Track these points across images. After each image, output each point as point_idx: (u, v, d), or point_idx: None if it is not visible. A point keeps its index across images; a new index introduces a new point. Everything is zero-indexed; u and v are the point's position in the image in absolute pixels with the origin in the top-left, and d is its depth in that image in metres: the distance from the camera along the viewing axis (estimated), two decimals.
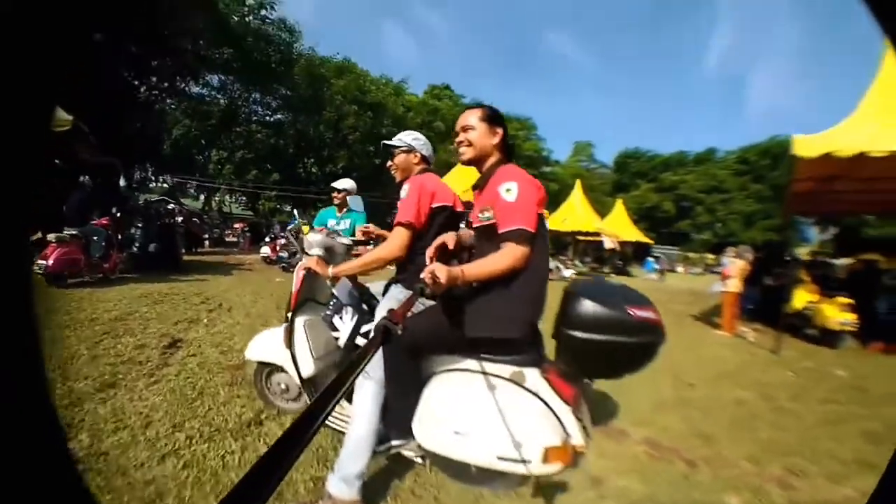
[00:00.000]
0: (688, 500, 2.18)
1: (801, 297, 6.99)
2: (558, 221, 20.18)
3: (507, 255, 1.57)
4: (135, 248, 8.01)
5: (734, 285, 6.95)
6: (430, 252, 1.78)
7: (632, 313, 1.62)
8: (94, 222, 6.96)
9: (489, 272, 1.57)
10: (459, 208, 2.22)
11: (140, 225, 8.32)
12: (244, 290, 7.15)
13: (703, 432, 2.95)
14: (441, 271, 1.38)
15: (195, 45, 17.50)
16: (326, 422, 2.19)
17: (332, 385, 0.63)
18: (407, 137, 2.28)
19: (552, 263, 16.63)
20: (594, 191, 38.74)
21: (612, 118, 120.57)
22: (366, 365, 0.75)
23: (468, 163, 1.86)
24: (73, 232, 6.12)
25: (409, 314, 1.69)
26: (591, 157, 55.02)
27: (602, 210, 25.89)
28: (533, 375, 1.81)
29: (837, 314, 6.33)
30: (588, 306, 1.65)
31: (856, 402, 3.71)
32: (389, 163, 2.33)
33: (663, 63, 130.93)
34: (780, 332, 5.80)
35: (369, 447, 1.80)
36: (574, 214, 20.69)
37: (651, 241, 27.30)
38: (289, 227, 2.73)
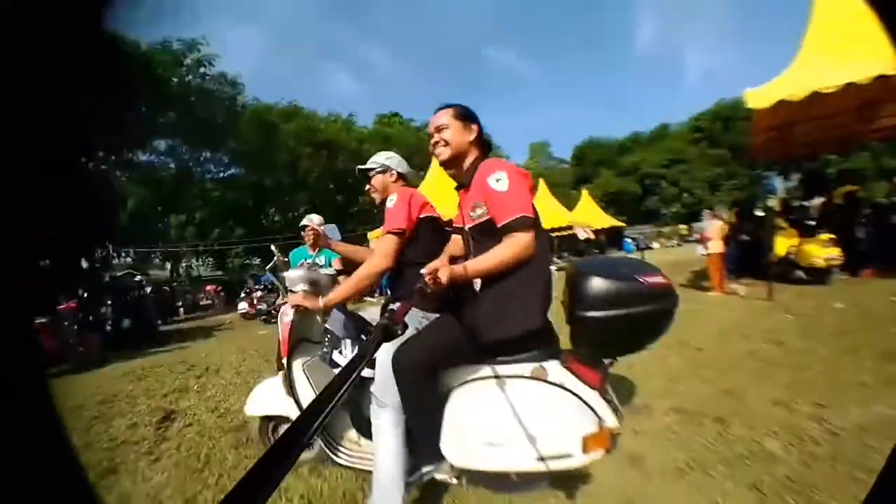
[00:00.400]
0: (730, 454, 2.15)
1: (783, 244, 7.16)
2: None
3: (514, 245, 1.52)
4: (108, 327, 7.82)
5: (716, 246, 7.11)
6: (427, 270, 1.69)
7: (643, 281, 1.59)
8: (61, 307, 6.77)
9: (495, 265, 1.52)
10: (442, 221, 2.19)
11: (109, 302, 8.09)
12: (228, 350, 6.98)
13: (725, 389, 2.95)
14: (443, 270, 1.35)
15: (138, 114, 17.22)
16: (348, 463, 2.09)
17: (331, 386, 0.62)
18: (380, 158, 2.24)
19: None
20: (558, 186, 39.48)
21: (562, 115, 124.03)
22: (365, 365, 0.73)
23: (447, 162, 1.81)
24: (42, 320, 5.94)
25: (403, 319, 1.63)
26: (549, 155, 56.45)
27: (569, 203, 26.38)
28: (554, 368, 1.74)
29: (822, 251, 6.50)
30: (599, 284, 1.60)
31: (862, 328, 3.78)
32: (367, 186, 2.28)
33: (598, 53, 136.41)
34: (769, 281, 5.92)
35: (400, 481, 1.70)
36: (543, 213, 20.77)
37: (623, 224, 27.90)
38: (268, 267, 2.62)
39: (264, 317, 10.51)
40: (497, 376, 1.75)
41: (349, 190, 27.42)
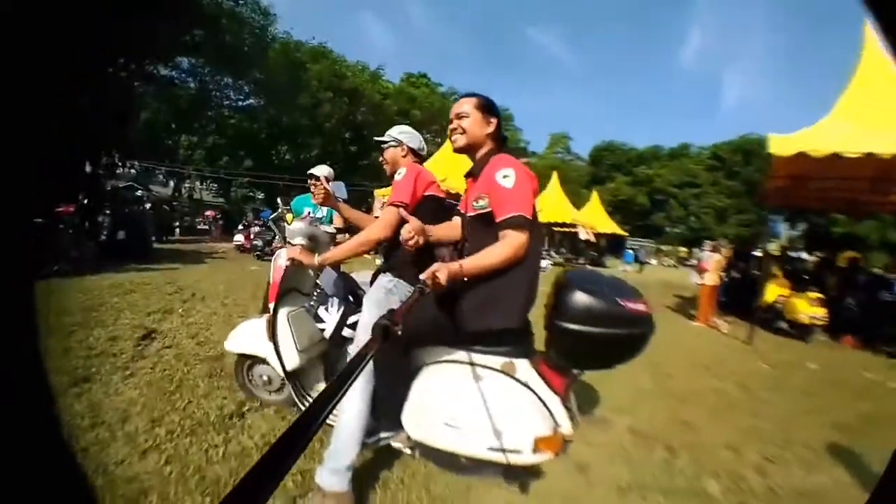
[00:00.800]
0: (671, 485, 2.24)
1: (773, 291, 7.22)
2: None
3: (508, 245, 1.57)
4: (103, 236, 7.78)
5: (712, 279, 7.16)
6: (404, 235, 1.69)
7: (625, 306, 1.63)
8: (59, 209, 6.71)
9: (490, 265, 1.56)
10: (446, 202, 2.25)
11: (108, 212, 8.05)
12: (218, 279, 7.01)
13: (684, 420, 3.03)
14: (441, 270, 1.37)
15: (167, 25, 16.76)
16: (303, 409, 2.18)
17: (331, 386, 0.63)
18: (395, 132, 2.29)
19: None
20: (570, 182, 39.16)
21: (588, 111, 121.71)
22: (365, 365, 0.74)
23: (461, 150, 1.86)
24: (38, 220, 5.82)
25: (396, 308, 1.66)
26: (568, 149, 55.70)
27: (578, 202, 26.24)
28: (523, 366, 1.82)
29: (808, 308, 6.53)
30: (582, 298, 1.65)
31: (827, 395, 3.86)
32: (381, 158, 2.34)
33: (640, 57, 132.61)
34: (752, 325, 6.01)
35: (358, 439, 1.78)
36: (550, 206, 20.85)
37: (626, 234, 27.89)
38: (271, 216, 2.66)
39: (258, 253, 10.55)
40: (467, 363, 1.83)
41: (363, 142, 26.97)
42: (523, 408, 1.74)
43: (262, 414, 2.50)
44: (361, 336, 1.93)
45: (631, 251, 26.20)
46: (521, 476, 1.98)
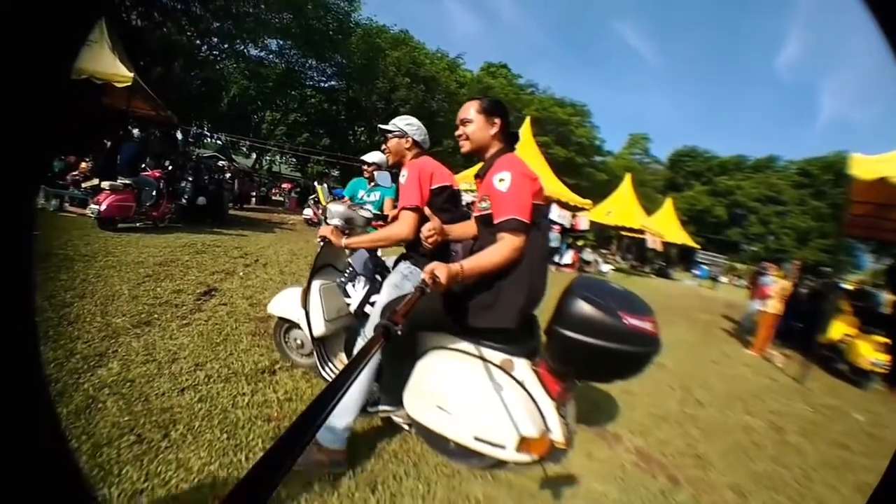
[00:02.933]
0: None
1: (839, 328, 6.57)
2: (602, 214, 19.58)
3: (502, 248, 1.61)
4: (184, 200, 8.49)
5: (775, 307, 6.63)
6: (424, 233, 1.80)
7: (625, 321, 1.59)
8: (146, 174, 7.44)
9: (486, 266, 1.60)
10: (457, 187, 2.28)
11: (191, 179, 8.79)
12: (282, 249, 7.47)
13: (698, 452, 2.87)
14: (441, 270, 1.40)
15: (256, 8, 17.91)
16: (323, 374, 2.38)
17: (331, 386, 0.65)
18: (400, 122, 2.32)
19: (591, 256, 16.26)
20: (645, 186, 37.36)
21: (671, 113, 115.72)
22: (365, 366, 0.78)
23: (467, 155, 1.92)
24: (127, 181, 6.59)
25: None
26: (646, 151, 52.83)
27: (651, 207, 24.98)
28: (522, 366, 1.87)
29: (871, 353, 5.88)
30: (581, 307, 1.65)
31: (864, 451, 3.47)
32: (384, 146, 2.40)
33: (731, 61, 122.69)
34: (809, 362, 5.52)
35: (358, 405, 1.93)
36: (620, 208, 20.00)
37: (698, 246, 26.11)
38: (311, 197, 2.84)
39: None
40: (468, 353, 1.92)
41: (437, 129, 27.45)
42: (513, 405, 1.77)
43: (290, 374, 2.75)
44: (374, 316, 2.08)
45: (706, 266, 24.57)
46: (505, 471, 2.04)
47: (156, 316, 3.26)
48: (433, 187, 2.10)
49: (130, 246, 5.46)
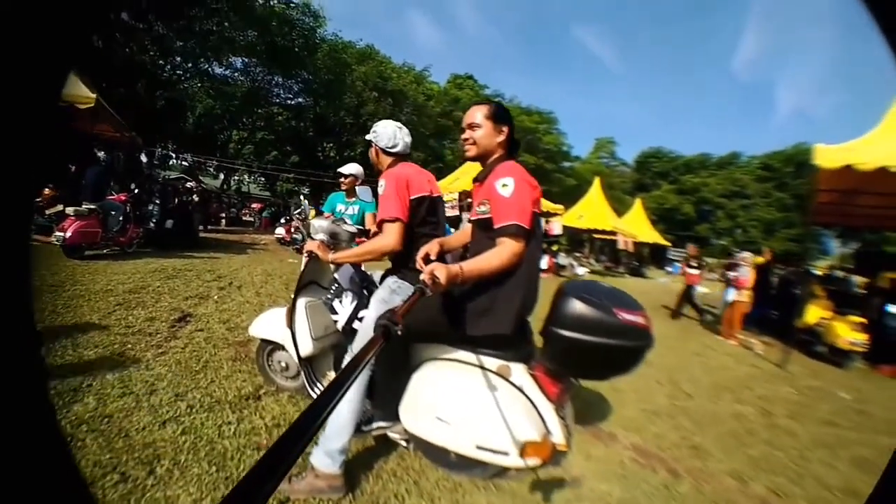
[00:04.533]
0: None
1: (814, 313, 6.81)
2: (574, 218, 19.85)
3: (502, 252, 1.59)
4: (151, 224, 8.24)
5: (743, 295, 6.85)
6: (419, 257, 1.81)
7: (619, 316, 1.61)
8: (111, 198, 7.18)
9: (486, 269, 1.57)
10: (437, 193, 2.22)
11: (158, 201, 8.53)
12: (256, 270, 7.32)
13: (694, 443, 2.90)
14: (440, 271, 1.38)
15: (220, 26, 17.69)
16: (312, 395, 2.29)
17: (331, 385, 0.64)
18: (377, 127, 2.26)
19: (566, 260, 16.51)
20: (613, 189, 38.26)
21: (635, 116, 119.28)
22: (365, 366, 0.76)
23: (472, 160, 1.88)
24: (92, 206, 6.34)
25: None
26: (613, 155, 54.38)
27: (621, 209, 25.52)
28: (519, 371, 1.85)
29: (848, 333, 6.12)
30: (576, 305, 1.66)
31: (854, 427, 3.59)
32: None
33: (689, 62, 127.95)
34: (788, 347, 5.70)
35: (352, 425, 1.86)
36: (591, 212, 20.36)
37: (668, 244, 26.85)
38: (296, 212, 2.79)
39: (297, 246, 10.87)
40: (464, 362, 1.88)
41: None
42: (514, 411, 1.75)
43: (275, 398, 2.65)
44: (363, 332, 2.02)
45: (678, 263, 25.29)
46: (509, 480, 2.01)
47: (129, 346, 3.10)
48: (412, 198, 2.04)
49: (98, 274, 5.26)
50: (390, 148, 2.22)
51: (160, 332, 3.52)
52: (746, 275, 6.99)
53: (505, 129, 1.82)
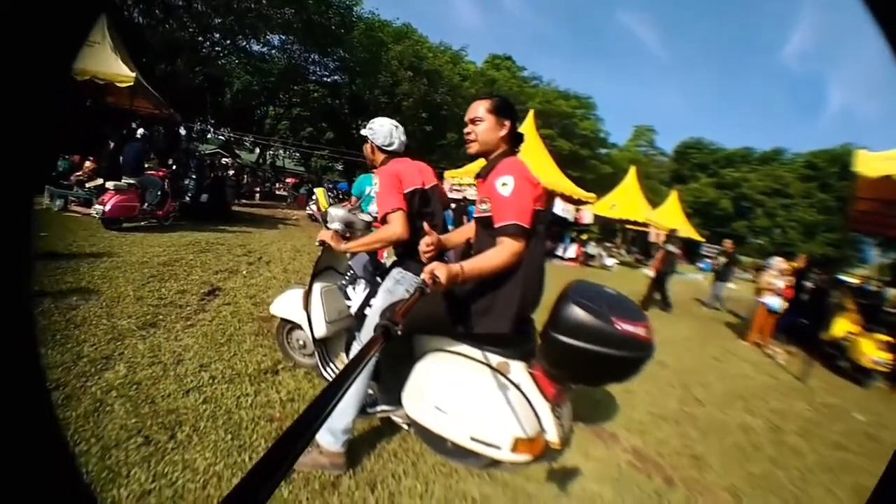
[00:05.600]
0: None
1: (842, 326, 6.52)
2: (606, 207, 19.37)
3: (502, 252, 1.60)
4: (187, 198, 8.56)
5: (775, 301, 6.60)
6: (422, 248, 1.83)
7: (618, 326, 1.62)
8: (150, 173, 7.50)
9: (486, 269, 1.59)
10: (430, 184, 2.24)
11: (194, 176, 8.85)
12: (285, 245, 7.52)
13: (695, 453, 2.87)
14: (441, 271, 1.39)
15: (257, 3, 17.89)
16: (325, 375, 2.42)
17: (330, 386, 0.65)
18: (373, 124, 2.30)
19: (595, 250, 16.20)
20: (650, 178, 36.97)
21: (678, 105, 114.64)
22: (364, 366, 0.78)
23: (475, 156, 1.90)
24: (131, 181, 6.67)
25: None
26: (651, 143, 52.21)
27: (657, 199, 24.66)
28: (518, 368, 1.91)
29: (873, 351, 5.82)
30: (575, 312, 1.67)
31: (863, 453, 3.44)
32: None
33: (738, 51, 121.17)
34: (811, 359, 5.50)
35: (356, 407, 1.97)
36: (624, 201, 19.76)
37: (703, 239, 25.84)
38: (310, 203, 2.87)
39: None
40: (466, 356, 1.96)
41: (440, 121, 27.36)
42: (509, 407, 1.81)
43: (292, 374, 2.81)
44: (370, 320, 2.12)
45: (709, 260, 24.41)
46: (502, 471, 2.09)
47: (161, 317, 3.31)
48: (405, 192, 2.08)
49: (135, 246, 5.52)
50: (386, 146, 2.28)
51: (190, 304, 3.71)
52: (783, 280, 6.70)
53: (507, 123, 1.82)
